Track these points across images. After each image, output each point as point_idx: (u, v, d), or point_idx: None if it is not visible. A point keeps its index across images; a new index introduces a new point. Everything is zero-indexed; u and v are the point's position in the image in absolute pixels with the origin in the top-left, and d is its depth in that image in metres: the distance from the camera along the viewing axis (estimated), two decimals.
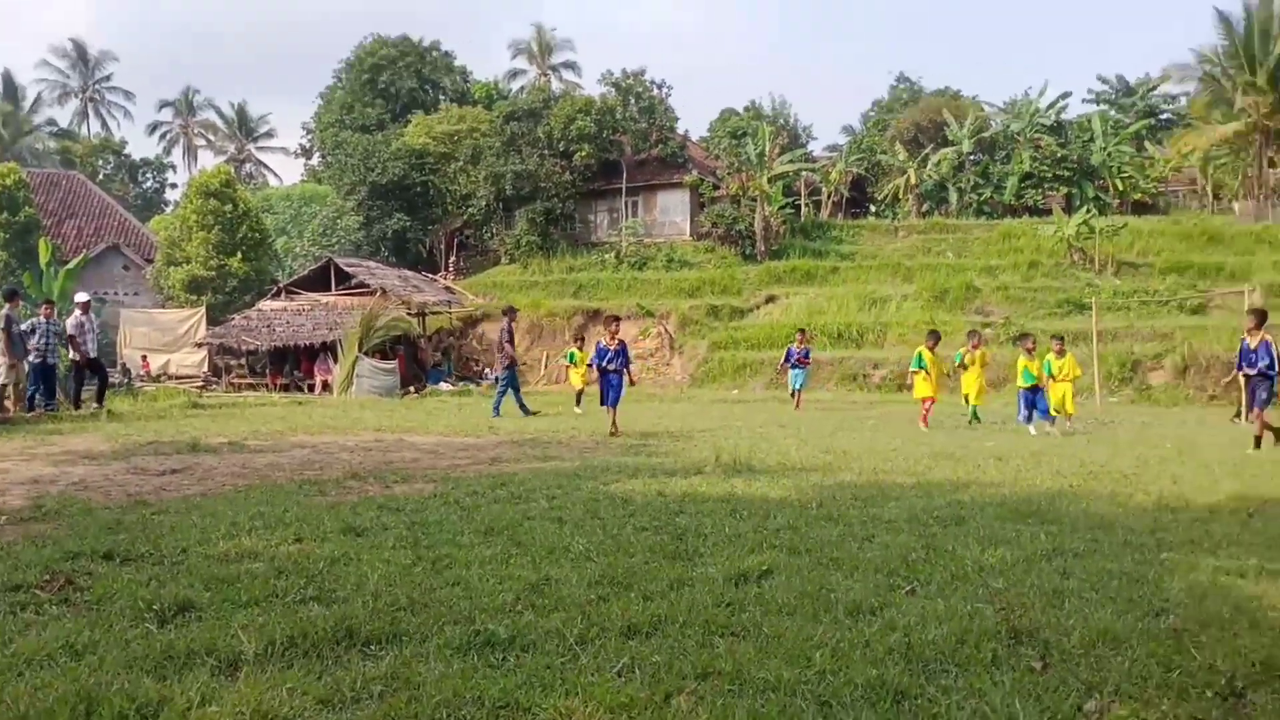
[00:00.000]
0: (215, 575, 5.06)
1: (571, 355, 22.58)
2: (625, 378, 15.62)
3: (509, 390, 19.29)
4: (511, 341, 19.95)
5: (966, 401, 17.96)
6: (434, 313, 36.68)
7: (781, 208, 43.25)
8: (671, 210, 44.52)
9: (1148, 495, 7.98)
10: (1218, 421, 18.24)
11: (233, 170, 46.00)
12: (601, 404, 15.42)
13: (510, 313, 20.74)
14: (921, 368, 17.11)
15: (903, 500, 7.73)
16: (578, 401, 20.92)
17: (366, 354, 28.24)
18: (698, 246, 42.64)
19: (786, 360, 23.05)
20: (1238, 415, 18.59)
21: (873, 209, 53.99)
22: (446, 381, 32.19)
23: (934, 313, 32.70)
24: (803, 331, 24.47)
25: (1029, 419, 15.95)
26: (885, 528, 6.55)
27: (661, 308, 36.27)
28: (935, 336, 17.86)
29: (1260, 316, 13.10)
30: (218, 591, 4.75)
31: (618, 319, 17.13)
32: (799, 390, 22.18)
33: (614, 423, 14.81)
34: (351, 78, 55.96)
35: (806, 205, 49.45)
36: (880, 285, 36.82)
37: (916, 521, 6.77)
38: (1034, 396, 15.95)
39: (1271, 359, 12.52)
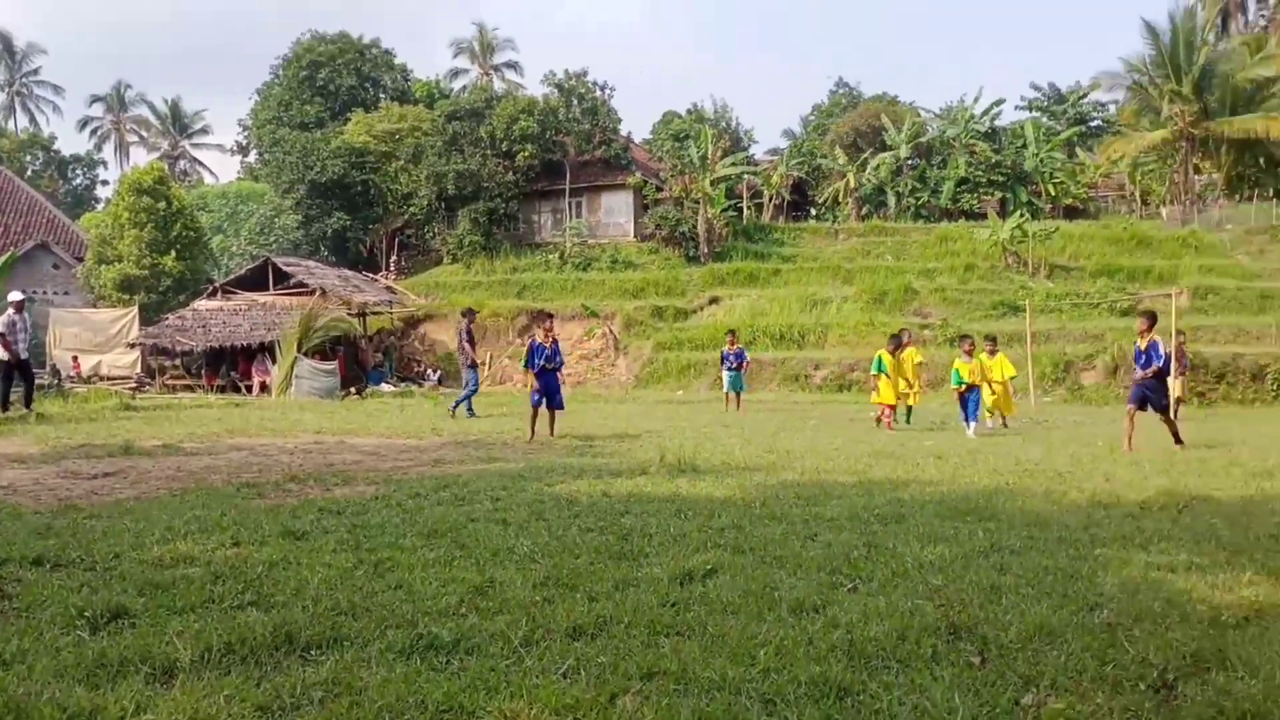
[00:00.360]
0: (149, 581, 4.94)
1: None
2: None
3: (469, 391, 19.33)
4: (472, 342, 19.98)
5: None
6: (375, 313, 36.27)
7: (724, 210, 43.55)
8: (615, 211, 44.58)
9: (1081, 492, 8.16)
10: (1147, 421, 18.74)
11: (166, 167, 44.96)
12: (536, 405, 14.25)
13: (469, 314, 20.48)
14: (882, 371, 16.85)
15: (844, 498, 7.82)
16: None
17: (306, 354, 27.80)
18: (642, 248, 42.76)
19: (723, 363, 22.79)
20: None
21: (813, 212, 54.61)
22: (388, 382, 31.85)
23: (873, 314, 33.22)
24: (733, 333, 24.10)
25: (967, 419, 16.03)
26: (827, 526, 6.62)
27: (606, 308, 36.29)
28: (896, 340, 17.65)
29: (1151, 319, 13.17)
30: (152, 598, 4.64)
31: (550, 315, 16.53)
32: (737, 393, 21.89)
33: (553, 425, 14.39)
34: (289, 74, 55.06)
35: (748, 208, 49.87)
36: (821, 287, 37.25)
37: (858, 519, 6.85)
38: (967, 397, 15.94)
39: (1161, 360, 12.72)
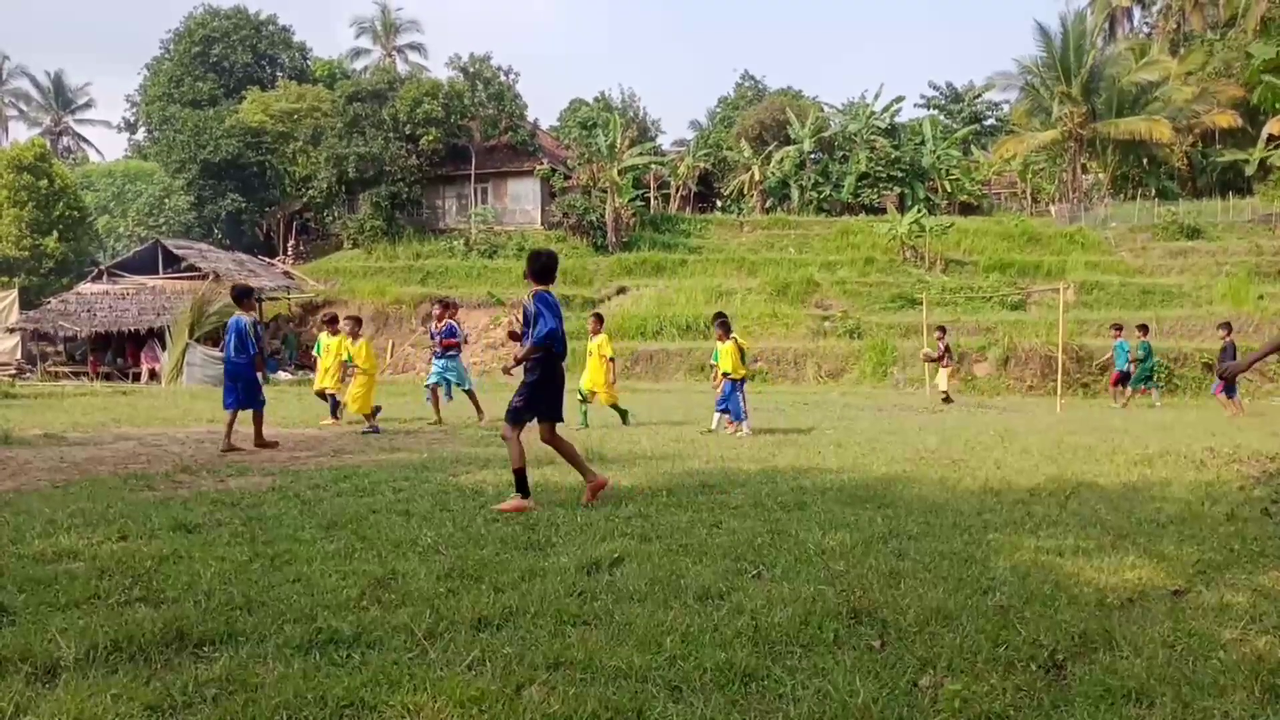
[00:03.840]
0: (30, 576, 4.71)
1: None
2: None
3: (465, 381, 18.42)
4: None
5: (582, 398, 14.94)
6: (272, 298, 35.28)
7: (631, 200, 43.64)
8: (522, 199, 44.24)
9: (974, 479, 8.40)
10: (1036, 409, 19.49)
11: (48, 143, 42.87)
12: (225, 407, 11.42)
13: (451, 305, 17.72)
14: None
15: (748, 486, 7.91)
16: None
17: (198, 341, 26.89)
18: (549, 236, 42.55)
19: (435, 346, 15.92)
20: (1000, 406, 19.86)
21: (719, 204, 55.17)
22: (286, 370, 31.02)
23: (777, 305, 33.71)
24: (443, 304, 16.33)
25: (733, 413, 13.19)
26: (732, 513, 6.68)
27: (512, 297, 35.97)
28: (724, 325, 13.96)
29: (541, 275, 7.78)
30: (33, 594, 4.43)
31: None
32: (434, 385, 15.35)
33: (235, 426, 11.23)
34: (181, 49, 52.96)
35: (655, 198, 50.06)
36: (726, 278, 37.67)
37: (761, 507, 6.93)
38: (732, 387, 13.20)
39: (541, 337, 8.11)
